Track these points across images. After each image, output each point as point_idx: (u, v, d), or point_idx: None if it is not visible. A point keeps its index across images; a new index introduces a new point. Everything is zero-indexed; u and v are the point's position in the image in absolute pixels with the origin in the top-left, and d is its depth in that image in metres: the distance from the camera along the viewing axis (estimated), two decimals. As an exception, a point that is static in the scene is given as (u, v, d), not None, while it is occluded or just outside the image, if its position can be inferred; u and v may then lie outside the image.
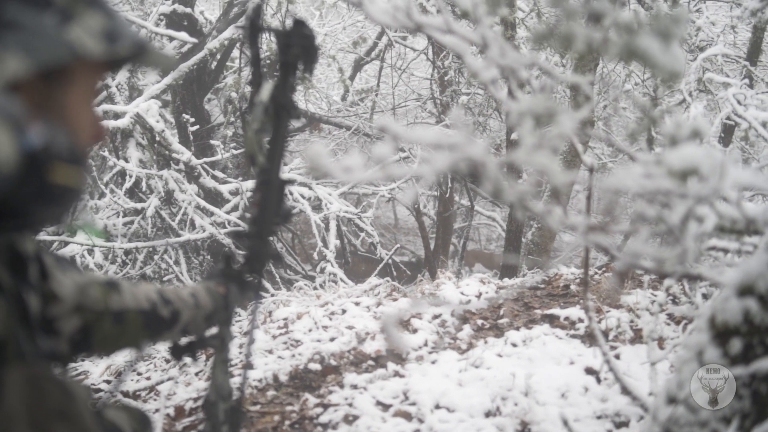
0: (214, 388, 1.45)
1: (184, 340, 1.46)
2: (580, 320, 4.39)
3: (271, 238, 1.48)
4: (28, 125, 0.77)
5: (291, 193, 8.50)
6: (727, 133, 8.23)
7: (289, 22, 1.34)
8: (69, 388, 0.87)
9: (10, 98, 0.77)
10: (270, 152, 1.39)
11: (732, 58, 7.46)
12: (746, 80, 5.89)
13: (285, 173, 7.73)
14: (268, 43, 7.65)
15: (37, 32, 0.82)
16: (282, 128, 1.38)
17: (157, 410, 3.59)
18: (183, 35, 7.68)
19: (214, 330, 1.49)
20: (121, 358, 4.35)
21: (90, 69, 0.93)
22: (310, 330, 4.65)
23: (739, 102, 4.82)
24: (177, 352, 1.46)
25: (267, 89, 1.34)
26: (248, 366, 1.52)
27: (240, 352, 3.52)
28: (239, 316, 5.38)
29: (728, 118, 5.44)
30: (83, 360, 4.59)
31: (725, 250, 1.37)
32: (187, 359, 1.48)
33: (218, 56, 9.74)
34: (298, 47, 1.31)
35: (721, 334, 1.18)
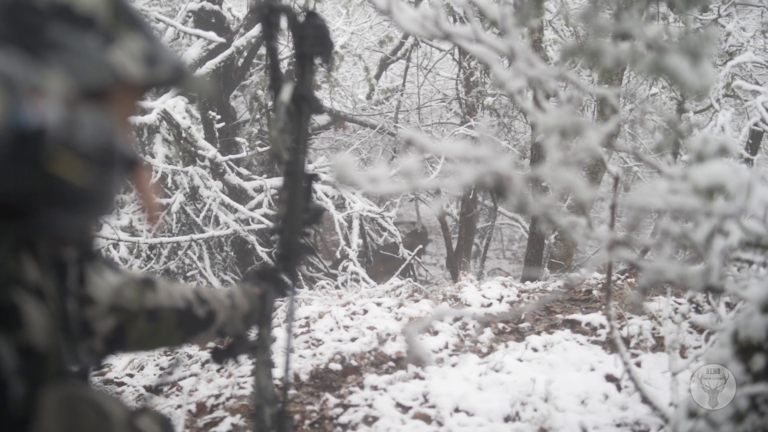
0: (258, 391, 1.44)
1: (224, 344, 1.46)
2: (602, 326, 4.37)
3: (302, 237, 1.48)
4: (29, 97, 0.67)
5: (315, 191, 8.52)
6: (755, 140, 8.15)
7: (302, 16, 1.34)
8: (105, 409, 0.86)
9: (14, 60, 0.69)
10: (294, 146, 1.39)
11: (762, 64, 7.37)
12: (776, 87, 5.82)
13: (310, 169, 7.76)
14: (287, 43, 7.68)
15: (81, 54, 0.81)
16: (304, 121, 1.38)
17: (179, 406, 3.62)
18: (211, 34, 7.73)
19: (253, 332, 1.49)
20: (145, 353, 4.39)
21: (128, 91, 0.92)
22: (331, 329, 4.66)
23: (767, 110, 4.78)
24: (218, 356, 1.46)
25: (288, 89, 1.35)
26: (288, 366, 1.51)
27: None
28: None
29: (756, 125, 5.39)
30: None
31: (750, 262, 1.36)
32: (229, 363, 1.47)
33: (245, 53, 9.80)
34: (312, 38, 1.32)
35: (744, 350, 1.17)
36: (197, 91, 1.03)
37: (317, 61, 1.36)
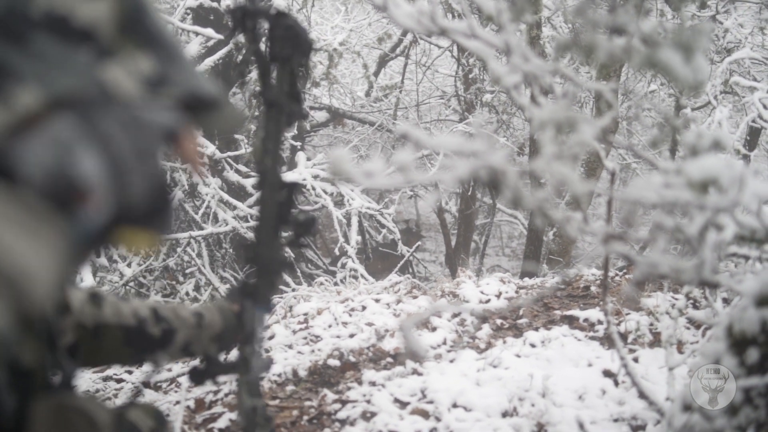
0: (242, 415, 1.35)
1: (202, 364, 1.39)
2: (600, 322, 4.38)
3: (281, 251, 1.36)
4: (80, 200, 0.65)
5: (314, 188, 8.51)
6: (752, 136, 8.16)
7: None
8: (93, 417, 0.87)
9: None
10: (265, 154, 1.28)
11: (759, 60, 7.38)
12: (773, 83, 5.82)
13: (304, 170, 7.54)
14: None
15: (62, 65, 0.72)
16: (274, 127, 1.28)
17: (177, 402, 3.62)
18: (209, 31, 7.71)
19: (234, 351, 1.41)
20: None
21: None
22: (329, 326, 4.67)
23: (765, 106, 4.78)
24: (196, 377, 1.38)
25: None
26: (258, 388, 1.39)
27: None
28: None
29: (754, 121, 5.40)
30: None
31: (746, 257, 1.37)
32: (209, 384, 1.39)
33: (244, 50, 9.78)
34: (281, 40, 1.26)
35: (739, 343, 1.18)
36: (220, 126, 0.95)
37: (297, 63, 1.28)
